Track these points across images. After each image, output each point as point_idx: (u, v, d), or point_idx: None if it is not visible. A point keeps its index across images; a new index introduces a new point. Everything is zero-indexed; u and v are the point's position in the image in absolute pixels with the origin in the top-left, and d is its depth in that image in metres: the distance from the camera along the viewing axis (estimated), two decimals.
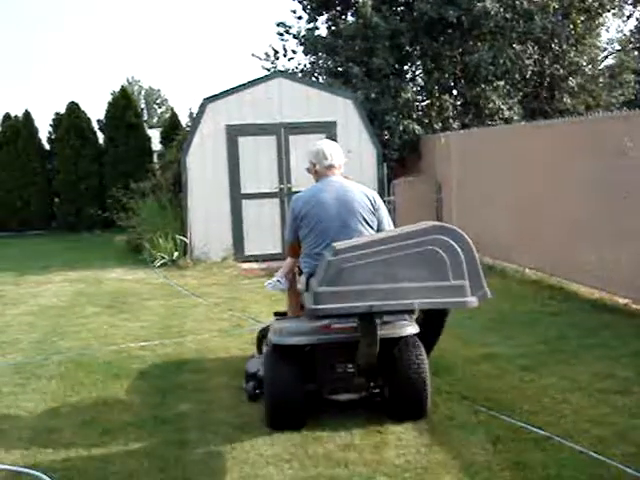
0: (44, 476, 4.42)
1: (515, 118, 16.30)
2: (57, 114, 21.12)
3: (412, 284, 4.32)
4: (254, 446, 4.78)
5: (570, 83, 17.89)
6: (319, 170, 5.44)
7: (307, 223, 5.25)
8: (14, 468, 4.58)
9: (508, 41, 16.53)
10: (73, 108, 20.64)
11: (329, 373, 5.10)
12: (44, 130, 21.39)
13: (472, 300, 4.47)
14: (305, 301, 4.99)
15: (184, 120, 22.80)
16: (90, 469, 4.53)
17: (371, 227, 5.26)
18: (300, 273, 5.40)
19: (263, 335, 6.05)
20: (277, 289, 5.66)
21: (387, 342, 4.95)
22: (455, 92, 17.20)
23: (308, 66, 18.12)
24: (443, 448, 4.64)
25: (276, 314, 5.94)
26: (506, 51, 16.31)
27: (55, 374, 6.61)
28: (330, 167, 5.40)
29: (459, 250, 4.44)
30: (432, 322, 5.30)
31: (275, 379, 5.01)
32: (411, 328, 5.06)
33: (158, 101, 77.85)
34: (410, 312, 4.67)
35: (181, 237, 13.27)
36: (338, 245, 4.52)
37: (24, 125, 20.52)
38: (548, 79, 17.99)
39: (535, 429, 4.83)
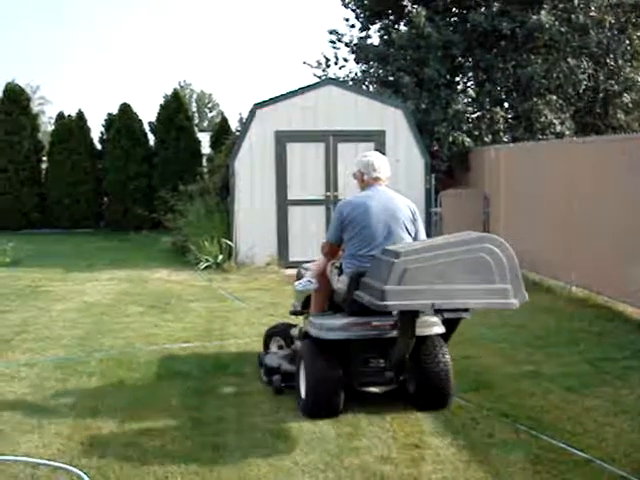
0: (81, 473, 4.46)
1: (567, 133, 16.07)
2: (109, 115, 21.45)
3: (465, 286, 4.80)
4: (290, 454, 4.76)
5: (625, 99, 17.57)
6: (367, 180, 5.86)
7: (354, 227, 5.63)
8: (51, 463, 4.63)
9: (562, 55, 16.32)
10: (125, 109, 20.93)
11: (362, 366, 5.57)
12: (96, 130, 21.76)
13: (514, 302, 4.91)
14: (341, 298, 5.61)
15: (234, 125, 22.95)
16: (126, 468, 4.55)
17: (410, 235, 5.71)
18: (340, 273, 5.74)
19: (270, 335, 6.81)
20: (307, 289, 6.02)
21: (418, 339, 5.41)
22: (506, 105, 17.01)
23: (359, 74, 18.13)
24: (481, 466, 4.57)
25: (292, 313, 6.59)
26: (560, 65, 16.11)
27: (96, 371, 6.68)
28: (377, 179, 5.85)
29: (503, 257, 4.87)
30: (448, 326, 5.68)
31: (316, 370, 5.44)
32: (438, 328, 5.58)
33: (209, 105, 78.58)
34: (466, 311, 4.94)
35: (226, 241, 13.34)
36: (400, 248, 4.98)
37: (77, 124, 20.86)
38: (602, 94, 17.69)
39: (576, 451, 4.73)
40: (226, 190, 14.05)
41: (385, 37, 17.48)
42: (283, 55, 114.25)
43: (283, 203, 13.48)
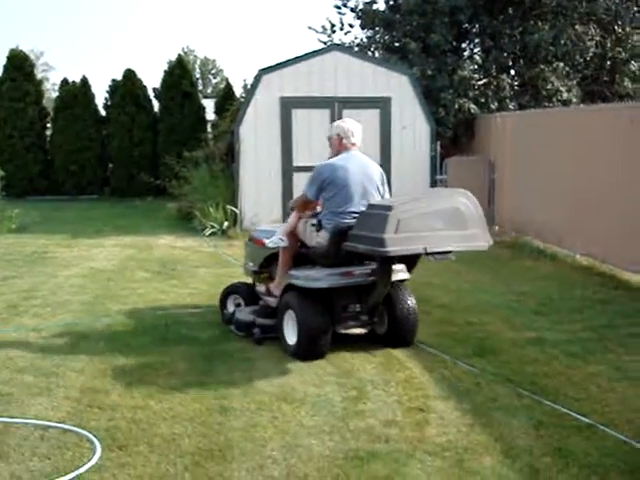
0: (90, 435, 4.52)
1: (574, 100, 15.99)
2: (114, 81, 21.37)
3: (445, 232, 5.58)
4: (296, 417, 4.83)
5: (632, 67, 17.45)
6: (344, 144, 6.39)
7: (334, 186, 6.17)
8: (61, 426, 4.69)
9: (570, 21, 16.19)
10: (129, 76, 20.85)
11: (342, 312, 6.25)
12: (100, 96, 21.68)
13: (484, 244, 5.77)
14: (321, 252, 6.20)
15: (238, 91, 22.84)
16: (134, 430, 4.62)
17: (380, 195, 6.35)
18: (318, 230, 6.25)
19: (227, 293, 7.32)
20: (278, 246, 6.52)
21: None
22: (513, 72, 16.93)
23: (364, 40, 18.04)
24: (485, 430, 4.63)
25: (256, 272, 7.09)
26: (567, 32, 15.99)
27: (103, 336, 6.74)
28: (354, 144, 6.41)
29: (471, 206, 5.72)
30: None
31: (307, 317, 6.01)
32: (404, 274, 6.26)
33: (213, 71, 78.03)
34: (449, 253, 5.62)
35: (232, 207, 13.36)
36: (390, 202, 5.69)
37: (81, 91, 20.78)
38: (609, 62, 17.59)
39: (579, 416, 4.78)
40: (231, 156, 14.04)
41: (391, 3, 17.33)
42: (287, 20, 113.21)
43: (288, 169, 13.47)
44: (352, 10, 18.08)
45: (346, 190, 6.14)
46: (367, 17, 17.46)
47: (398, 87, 13.75)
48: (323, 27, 18.78)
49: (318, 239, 6.24)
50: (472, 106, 15.08)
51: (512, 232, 12.24)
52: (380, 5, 17.79)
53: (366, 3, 17.74)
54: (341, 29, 18.58)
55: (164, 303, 8.07)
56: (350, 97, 13.48)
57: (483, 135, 14.70)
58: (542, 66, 16.08)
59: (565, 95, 15.96)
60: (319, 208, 6.48)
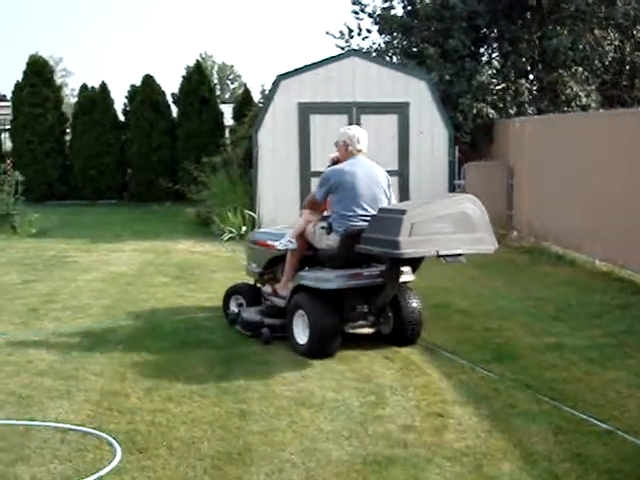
0: (110, 438, 4.55)
1: (593, 105, 15.92)
2: (132, 86, 21.47)
3: (455, 236, 5.82)
4: (314, 421, 4.84)
5: None
6: (350, 150, 6.63)
7: (341, 190, 6.40)
8: (81, 429, 4.72)
9: (588, 26, 16.12)
10: (148, 81, 20.95)
11: (350, 312, 6.46)
12: (119, 102, 21.81)
13: (492, 247, 6.03)
14: (330, 254, 6.41)
15: (256, 97, 22.92)
16: (154, 434, 4.64)
17: (387, 199, 6.58)
18: (328, 232, 6.46)
19: (229, 294, 7.48)
20: (288, 248, 6.70)
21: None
22: (532, 77, 16.86)
23: (382, 46, 18.02)
24: (504, 435, 4.62)
25: (261, 274, 7.34)
26: (586, 36, 15.92)
27: (123, 340, 6.78)
28: (360, 150, 6.64)
29: (478, 211, 5.96)
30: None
31: (318, 317, 6.19)
32: (409, 275, 6.41)
33: (231, 77, 78.31)
34: (460, 255, 5.89)
35: (250, 212, 13.40)
36: (403, 206, 6.02)
37: (100, 96, 20.91)
38: (628, 66, 17.48)
39: (598, 422, 4.76)
40: (249, 162, 14.09)
41: (409, 8, 17.33)
42: (305, 25, 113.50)
43: (306, 175, 13.49)
44: (370, 15, 18.08)
45: (353, 193, 6.37)
46: (385, 22, 17.45)
47: (416, 92, 13.75)
48: (341, 32, 18.78)
49: (328, 241, 6.47)
50: (490, 111, 15.04)
51: (531, 237, 12.20)
52: (398, 10, 17.81)
53: (384, 8, 17.73)
54: (359, 34, 18.59)
55: (182, 307, 8.10)
56: (368, 102, 13.49)
57: (502, 140, 14.66)
58: (561, 71, 16.02)
59: (584, 100, 15.88)
60: (326, 213, 6.75)
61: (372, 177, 6.53)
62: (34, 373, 5.85)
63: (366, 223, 6.16)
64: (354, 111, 13.49)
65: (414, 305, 6.55)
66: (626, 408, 5.03)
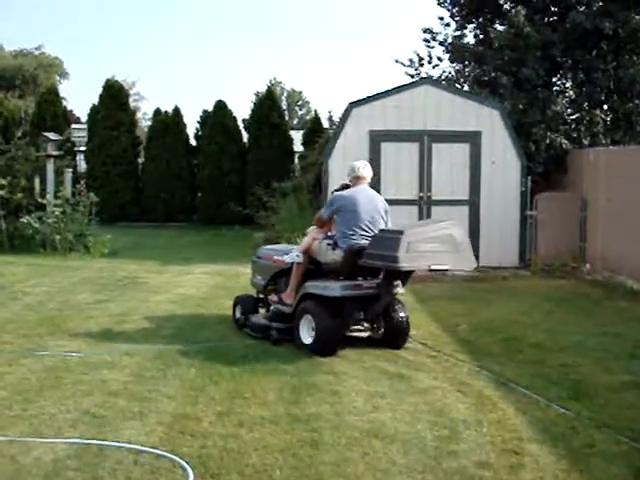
0: (183, 462, 4.55)
1: None
2: (205, 112, 21.87)
3: (443, 254, 6.92)
4: (387, 454, 4.76)
5: None
6: (351, 180, 7.80)
7: (344, 213, 7.49)
8: (154, 451, 4.74)
9: None
10: (220, 106, 21.33)
11: (349, 318, 7.40)
12: (191, 126, 22.21)
13: (472, 265, 7.35)
14: (334, 267, 7.46)
15: (324, 123, 23.07)
16: (226, 459, 4.63)
17: (385, 222, 7.58)
18: (334, 248, 7.43)
19: (235, 303, 8.52)
20: (295, 261, 7.75)
21: None
22: (606, 107, 16.56)
23: (453, 74, 17.94)
24: (582, 476, 4.47)
25: (267, 285, 8.37)
26: None
27: (195, 363, 6.81)
28: (358, 177, 7.78)
29: (461, 234, 7.17)
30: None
31: (324, 320, 7.16)
32: (401, 289, 7.26)
33: (299, 103, 79.03)
34: (447, 270, 7.69)
35: None
36: (401, 228, 6.95)
37: (173, 120, 21.36)
38: None
39: None
40: (319, 188, 14.13)
41: (481, 36, 17.24)
42: (374, 53, 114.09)
43: None
44: (441, 44, 18.05)
45: (355, 216, 7.43)
46: (456, 51, 17.40)
47: (489, 121, 13.62)
48: (410, 60, 18.75)
49: (333, 256, 7.47)
50: (564, 141, 14.80)
51: (604, 271, 11.91)
52: (469, 39, 17.76)
53: (455, 37, 17.70)
54: (429, 62, 18.55)
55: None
56: (440, 130, 13.43)
57: (575, 171, 14.40)
58: (637, 101, 15.70)
59: None
60: (330, 232, 7.74)
61: (371, 202, 7.60)
62: (107, 393, 5.90)
63: (366, 241, 7.22)
64: (425, 139, 13.44)
65: (402, 315, 7.55)
66: None
